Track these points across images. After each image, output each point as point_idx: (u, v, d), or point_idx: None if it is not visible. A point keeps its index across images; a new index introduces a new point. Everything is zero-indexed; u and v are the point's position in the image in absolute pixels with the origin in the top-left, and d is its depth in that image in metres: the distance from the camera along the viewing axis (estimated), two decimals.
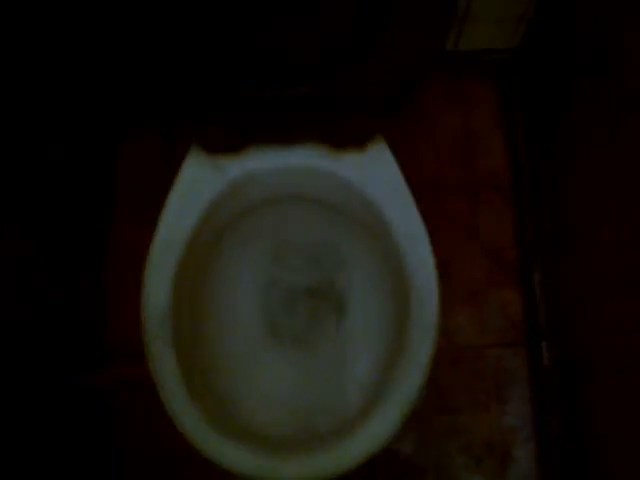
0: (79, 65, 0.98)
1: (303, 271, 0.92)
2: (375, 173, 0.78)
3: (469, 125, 1.27)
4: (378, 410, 0.69)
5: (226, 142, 0.76)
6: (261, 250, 0.90)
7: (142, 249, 0.77)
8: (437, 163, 1.25)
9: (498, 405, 1.12)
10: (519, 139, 1.20)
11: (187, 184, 0.77)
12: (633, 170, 0.76)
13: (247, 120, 0.74)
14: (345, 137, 0.76)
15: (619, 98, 0.80)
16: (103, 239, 1.17)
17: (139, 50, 0.64)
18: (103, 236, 1.17)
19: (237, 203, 0.82)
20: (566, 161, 1.02)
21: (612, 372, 0.85)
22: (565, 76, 1.01)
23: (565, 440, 1.04)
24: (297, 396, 0.84)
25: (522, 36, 1.16)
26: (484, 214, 1.22)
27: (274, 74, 0.67)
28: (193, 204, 0.77)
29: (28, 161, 0.90)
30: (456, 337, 1.15)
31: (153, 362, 0.71)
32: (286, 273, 0.91)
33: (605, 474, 0.91)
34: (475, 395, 1.12)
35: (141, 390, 1.09)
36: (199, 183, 0.77)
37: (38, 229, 0.93)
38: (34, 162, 0.91)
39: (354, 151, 0.77)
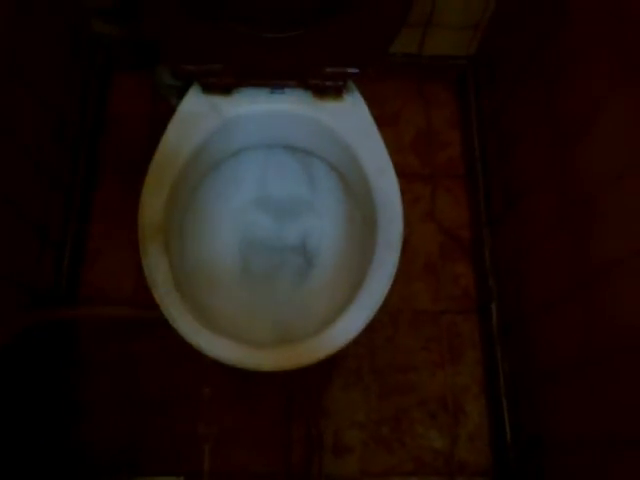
0: None
1: (280, 219, 1.02)
2: (351, 120, 0.90)
3: (429, 122, 1.42)
4: (348, 311, 0.78)
5: (221, 82, 0.87)
6: (245, 191, 1.00)
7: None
8: (400, 154, 1.40)
9: (451, 365, 1.22)
10: (473, 135, 1.35)
11: (186, 116, 0.87)
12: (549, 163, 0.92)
13: (241, 61, 0.85)
14: (326, 85, 0.88)
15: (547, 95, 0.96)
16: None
17: None
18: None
19: (229, 142, 0.92)
20: (509, 152, 1.17)
21: (550, 307, 0.97)
22: (506, 81, 1.18)
23: (511, 396, 1.14)
24: (271, 314, 0.92)
25: (478, 45, 1.33)
26: (441, 198, 1.35)
27: (272, 15, 0.79)
28: (190, 134, 0.86)
29: None
30: (413, 302, 1.25)
31: (148, 265, 0.79)
32: (263, 218, 1.01)
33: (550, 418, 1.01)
34: (431, 356, 1.22)
35: None
36: (197, 117, 0.87)
37: None
38: None
39: (333, 99, 0.90)
